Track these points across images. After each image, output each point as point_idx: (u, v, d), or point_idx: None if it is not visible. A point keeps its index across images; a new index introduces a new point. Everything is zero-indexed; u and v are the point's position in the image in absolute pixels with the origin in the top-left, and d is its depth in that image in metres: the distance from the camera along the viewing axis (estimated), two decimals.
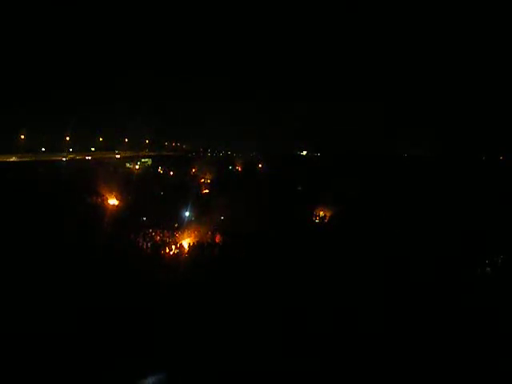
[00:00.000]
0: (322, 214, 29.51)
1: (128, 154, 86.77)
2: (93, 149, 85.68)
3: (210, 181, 49.54)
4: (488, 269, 18.52)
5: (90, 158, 75.04)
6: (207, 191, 41.78)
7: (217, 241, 21.39)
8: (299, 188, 44.59)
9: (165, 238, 21.41)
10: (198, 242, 20.86)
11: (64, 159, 68.35)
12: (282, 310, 13.35)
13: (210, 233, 21.86)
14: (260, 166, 74.49)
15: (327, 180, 44.50)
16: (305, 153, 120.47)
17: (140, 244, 20.65)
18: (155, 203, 29.83)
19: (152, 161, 77.29)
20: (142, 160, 77.08)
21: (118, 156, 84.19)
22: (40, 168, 51.25)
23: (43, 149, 75.15)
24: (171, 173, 60.15)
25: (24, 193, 29.54)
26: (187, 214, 26.11)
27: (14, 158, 63.93)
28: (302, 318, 13.03)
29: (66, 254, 17.33)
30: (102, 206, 29.79)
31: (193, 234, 21.77)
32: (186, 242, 21.07)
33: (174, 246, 20.59)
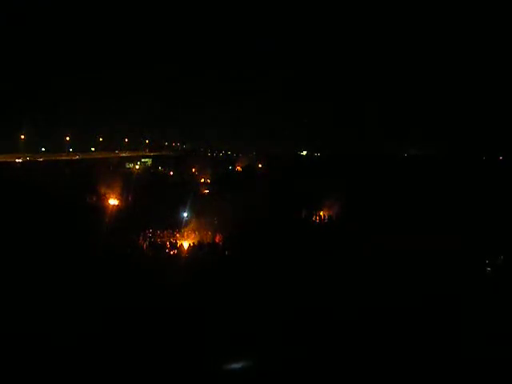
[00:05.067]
0: (322, 214, 29.50)
1: (128, 153, 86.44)
2: (93, 149, 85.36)
3: (210, 181, 49.55)
4: (488, 269, 18.52)
5: None
6: (207, 191, 41.79)
7: (217, 241, 21.38)
8: (299, 188, 44.47)
9: (165, 239, 21.40)
10: (197, 242, 20.86)
11: None
12: (281, 310, 13.35)
13: (209, 233, 21.84)
14: (260, 165, 74.40)
15: (327, 180, 44.41)
16: (305, 153, 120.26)
17: (140, 244, 20.67)
18: (155, 203, 29.80)
19: (152, 161, 77.35)
20: (142, 160, 77.20)
21: (18, 161, 55.29)
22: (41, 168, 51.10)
23: (43, 149, 74.86)
24: (171, 173, 60.17)
25: (24, 193, 29.54)
26: (187, 214, 26.09)
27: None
28: (302, 318, 13.04)
29: (67, 254, 17.36)
30: (102, 206, 29.80)
31: (193, 234, 21.77)
32: (186, 242, 21.07)
33: (174, 246, 20.62)
